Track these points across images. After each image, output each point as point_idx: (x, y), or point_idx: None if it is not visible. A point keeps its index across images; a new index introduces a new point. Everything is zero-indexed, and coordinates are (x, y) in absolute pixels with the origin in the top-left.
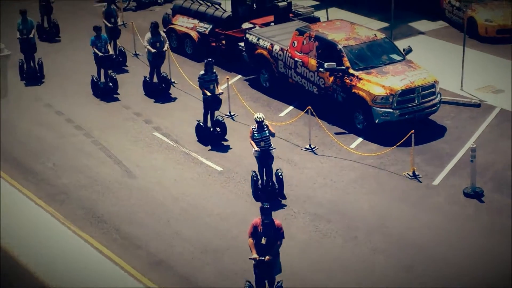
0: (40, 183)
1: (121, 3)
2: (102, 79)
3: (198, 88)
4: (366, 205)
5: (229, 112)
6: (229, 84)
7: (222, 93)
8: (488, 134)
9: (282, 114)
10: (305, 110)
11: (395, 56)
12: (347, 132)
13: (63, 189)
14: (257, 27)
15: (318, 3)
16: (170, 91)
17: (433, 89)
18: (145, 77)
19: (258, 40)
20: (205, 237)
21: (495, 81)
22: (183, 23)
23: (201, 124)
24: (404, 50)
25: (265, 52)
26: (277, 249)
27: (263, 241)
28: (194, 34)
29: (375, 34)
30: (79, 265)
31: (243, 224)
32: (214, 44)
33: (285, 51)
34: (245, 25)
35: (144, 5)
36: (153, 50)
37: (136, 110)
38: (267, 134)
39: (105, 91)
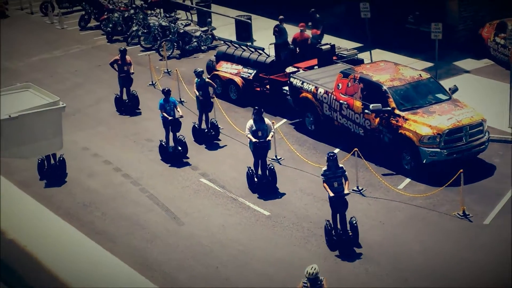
0: (90, 232)
1: (165, 51)
2: (171, 143)
3: (243, 133)
4: (416, 247)
5: (275, 156)
6: (275, 128)
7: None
8: None
9: None
10: (352, 152)
11: (441, 96)
12: (394, 173)
13: (110, 237)
14: (301, 71)
15: (362, 45)
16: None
17: (480, 128)
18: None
19: (302, 83)
20: (254, 283)
21: None
22: (227, 69)
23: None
24: (450, 89)
25: (309, 95)
26: None
27: None
28: (238, 80)
29: (420, 74)
30: None
31: (292, 268)
32: (258, 89)
33: (329, 94)
34: (289, 69)
35: (188, 52)
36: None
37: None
38: None
39: (174, 156)
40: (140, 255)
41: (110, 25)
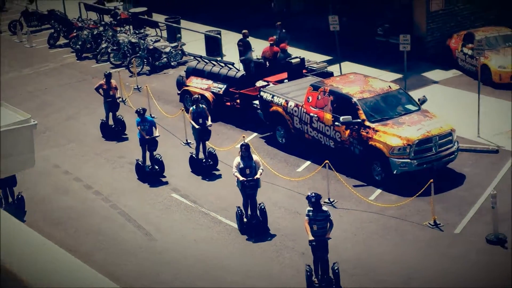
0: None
1: (135, 67)
2: (148, 163)
3: (214, 147)
4: (389, 257)
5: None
6: (246, 142)
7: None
8: (507, 180)
9: (299, 170)
10: (323, 165)
11: (411, 107)
12: (365, 184)
13: (83, 254)
14: (271, 85)
15: (331, 58)
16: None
17: (450, 138)
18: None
19: (272, 97)
20: None
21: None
22: (197, 84)
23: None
24: (419, 100)
25: (280, 109)
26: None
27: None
28: (208, 95)
29: (389, 86)
30: None
31: (266, 281)
32: (229, 103)
33: (300, 107)
34: (259, 83)
35: (158, 68)
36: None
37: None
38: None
39: (151, 175)
40: (113, 271)
41: (80, 43)
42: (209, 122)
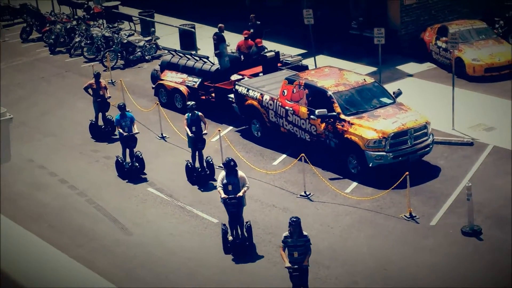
0: None
1: (109, 62)
2: (128, 160)
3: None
4: (365, 250)
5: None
6: (221, 135)
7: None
8: (482, 172)
9: (275, 163)
10: (299, 158)
11: (386, 100)
12: (341, 177)
13: (59, 249)
14: (246, 78)
15: (306, 51)
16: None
17: (425, 130)
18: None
19: (247, 91)
20: None
21: (486, 119)
22: (172, 78)
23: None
24: (394, 93)
25: (255, 103)
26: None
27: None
28: (183, 89)
29: (364, 79)
30: None
31: (242, 275)
32: (204, 97)
33: (275, 101)
34: (234, 77)
35: (132, 62)
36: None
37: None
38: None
39: (131, 172)
40: (90, 266)
41: (53, 37)
42: (204, 130)
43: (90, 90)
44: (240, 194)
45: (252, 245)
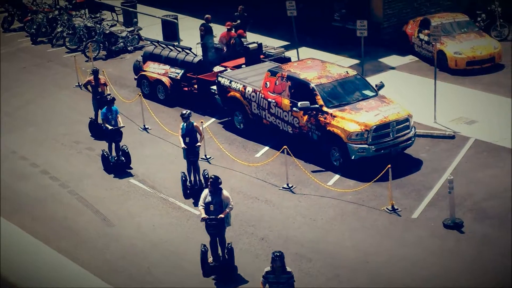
0: None
1: (91, 52)
2: (113, 153)
3: (172, 133)
4: (347, 242)
5: (205, 156)
6: (204, 127)
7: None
8: (464, 165)
9: (258, 155)
10: (281, 150)
11: (368, 92)
12: (324, 169)
13: (42, 240)
14: (229, 70)
15: (288, 43)
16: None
17: (407, 123)
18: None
19: (230, 82)
20: (186, 283)
21: (467, 112)
22: (154, 70)
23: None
24: (376, 85)
25: (238, 94)
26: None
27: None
28: (166, 80)
29: (346, 71)
30: None
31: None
32: (186, 88)
33: (258, 93)
34: (217, 68)
35: (115, 53)
36: (182, 145)
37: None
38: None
39: (117, 166)
40: (72, 258)
41: (34, 27)
42: (199, 142)
43: (89, 87)
44: (222, 216)
45: (233, 268)
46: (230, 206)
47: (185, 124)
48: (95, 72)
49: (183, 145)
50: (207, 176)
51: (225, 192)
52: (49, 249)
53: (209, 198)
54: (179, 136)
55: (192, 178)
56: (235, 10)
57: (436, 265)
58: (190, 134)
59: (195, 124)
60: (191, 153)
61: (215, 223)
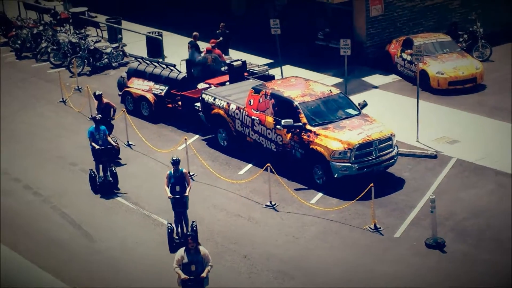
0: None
1: (75, 68)
2: (101, 173)
3: (156, 149)
4: (329, 260)
5: (188, 172)
6: (187, 144)
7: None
8: (446, 185)
9: (241, 172)
10: (264, 168)
11: (351, 111)
12: (307, 187)
13: (23, 256)
14: (213, 87)
15: (272, 61)
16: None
17: (390, 142)
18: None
19: (214, 99)
20: None
21: (450, 131)
22: (138, 86)
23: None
24: (359, 104)
25: (221, 112)
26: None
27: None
28: (150, 96)
29: (330, 90)
30: None
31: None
32: (170, 105)
33: (241, 110)
34: (201, 85)
35: (99, 69)
36: (168, 195)
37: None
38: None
39: (104, 186)
40: (54, 273)
41: (19, 42)
42: (186, 192)
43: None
44: (204, 275)
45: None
46: (210, 264)
47: (173, 171)
48: (98, 97)
49: (169, 195)
50: (195, 228)
51: (203, 249)
52: (30, 264)
53: (186, 259)
54: (165, 184)
55: (179, 230)
56: (217, 28)
57: (418, 285)
58: (180, 182)
59: (184, 171)
60: (180, 204)
61: (198, 285)
